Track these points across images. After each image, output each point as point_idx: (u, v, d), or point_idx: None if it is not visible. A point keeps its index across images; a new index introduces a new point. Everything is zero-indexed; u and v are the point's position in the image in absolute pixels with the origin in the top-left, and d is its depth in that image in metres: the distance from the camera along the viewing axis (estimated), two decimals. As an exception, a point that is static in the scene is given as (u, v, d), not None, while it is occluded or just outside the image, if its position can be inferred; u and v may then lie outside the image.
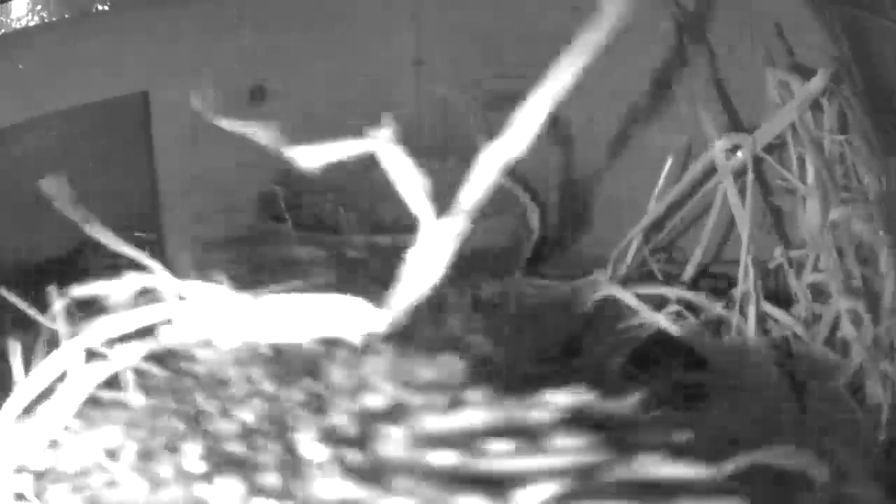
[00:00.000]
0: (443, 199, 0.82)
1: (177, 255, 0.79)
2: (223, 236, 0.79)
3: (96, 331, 0.32)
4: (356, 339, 0.29)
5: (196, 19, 0.76)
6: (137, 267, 0.35)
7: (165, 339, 0.32)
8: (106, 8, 0.67)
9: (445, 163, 0.85)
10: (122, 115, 0.75)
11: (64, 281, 0.77)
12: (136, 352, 0.32)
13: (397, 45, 0.88)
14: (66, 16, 0.66)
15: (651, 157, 0.70)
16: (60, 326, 0.37)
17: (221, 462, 0.26)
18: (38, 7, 0.64)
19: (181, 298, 0.32)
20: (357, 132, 0.86)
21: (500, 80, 0.82)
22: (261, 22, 0.80)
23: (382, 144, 0.31)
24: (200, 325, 0.31)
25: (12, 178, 0.70)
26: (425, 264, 0.29)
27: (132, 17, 0.71)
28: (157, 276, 0.33)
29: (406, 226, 0.78)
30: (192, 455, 0.27)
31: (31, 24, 0.65)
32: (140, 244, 0.82)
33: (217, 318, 0.31)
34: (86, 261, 0.79)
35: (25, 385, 0.32)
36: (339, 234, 0.70)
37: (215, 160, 0.79)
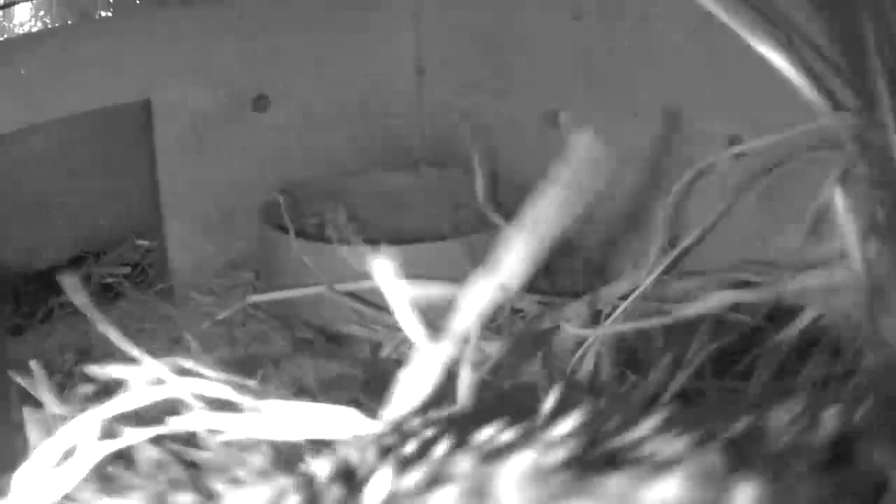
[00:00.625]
0: (443, 206, 0.82)
1: (178, 259, 0.79)
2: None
3: (107, 408, 0.34)
4: (345, 441, 0.32)
5: (197, 23, 0.76)
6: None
7: (174, 425, 0.34)
8: (108, 14, 0.67)
9: (446, 171, 0.85)
10: (123, 119, 0.74)
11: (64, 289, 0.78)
12: (144, 433, 0.34)
13: (398, 46, 0.88)
14: (69, 21, 0.66)
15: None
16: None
17: None
18: (41, 13, 0.64)
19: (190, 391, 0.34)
20: (356, 134, 0.87)
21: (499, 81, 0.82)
22: (262, 25, 0.79)
23: (382, 267, 0.32)
24: (208, 416, 0.33)
25: (14, 182, 0.70)
26: (417, 380, 0.32)
27: (134, 23, 0.71)
28: (168, 369, 0.35)
29: (406, 236, 0.78)
30: None
31: (34, 29, 0.65)
32: (143, 252, 0.83)
33: (223, 413, 0.33)
34: (87, 268, 0.79)
35: (37, 455, 0.34)
36: (342, 243, 0.70)
37: (218, 165, 0.79)
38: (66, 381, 0.67)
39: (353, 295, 0.65)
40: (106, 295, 0.77)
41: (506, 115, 0.82)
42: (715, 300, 0.50)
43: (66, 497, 0.33)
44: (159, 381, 0.35)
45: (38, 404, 0.65)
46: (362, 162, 0.87)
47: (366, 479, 0.27)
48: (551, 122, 0.77)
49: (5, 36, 0.63)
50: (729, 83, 0.65)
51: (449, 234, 0.75)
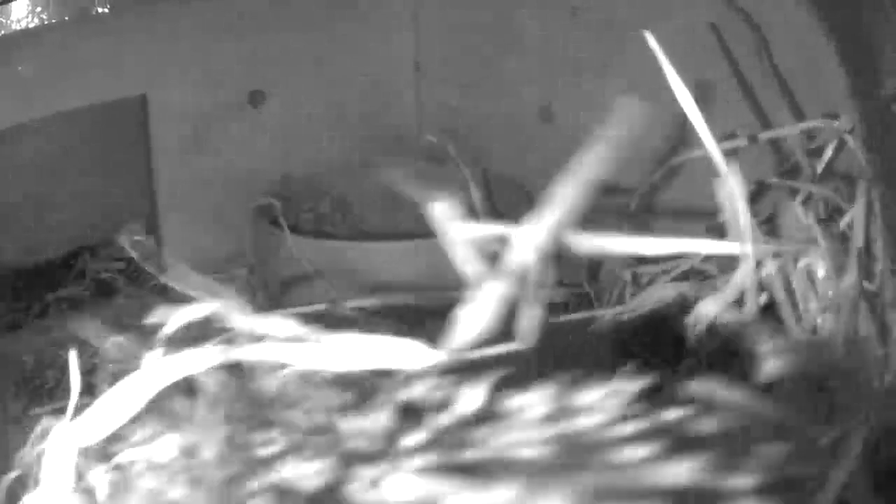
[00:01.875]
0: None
1: (174, 255, 0.79)
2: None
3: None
4: (409, 371, 0.33)
5: (196, 21, 0.76)
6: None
7: (235, 355, 0.34)
8: (106, 10, 0.67)
9: (444, 167, 0.85)
10: (120, 117, 0.75)
11: (60, 284, 0.78)
12: (205, 361, 0.34)
13: (397, 46, 0.88)
14: (66, 18, 0.66)
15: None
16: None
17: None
18: (39, 9, 0.65)
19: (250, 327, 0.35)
20: (355, 133, 0.87)
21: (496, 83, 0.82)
22: (261, 23, 0.80)
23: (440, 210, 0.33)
24: (272, 347, 0.34)
25: (10, 179, 0.71)
26: (476, 316, 0.33)
27: (132, 20, 0.72)
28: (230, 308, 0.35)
29: (402, 232, 0.78)
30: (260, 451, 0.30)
31: (32, 25, 0.65)
32: (137, 246, 0.82)
33: (284, 346, 0.34)
34: (84, 263, 0.79)
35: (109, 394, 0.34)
36: (337, 239, 0.70)
37: (215, 162, 0.79)
38: (60, 377, 0.68)
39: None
40: (101, 290, 0.77)
41: (504, 113, 0.82)
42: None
43: (125, 431, 0.33)
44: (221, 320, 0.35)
45: (38, 399, 0.66)
46: (359, 160, 0.87)
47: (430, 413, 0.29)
48: (546, 117, 0.77)
49: (2, 32, 0.63)
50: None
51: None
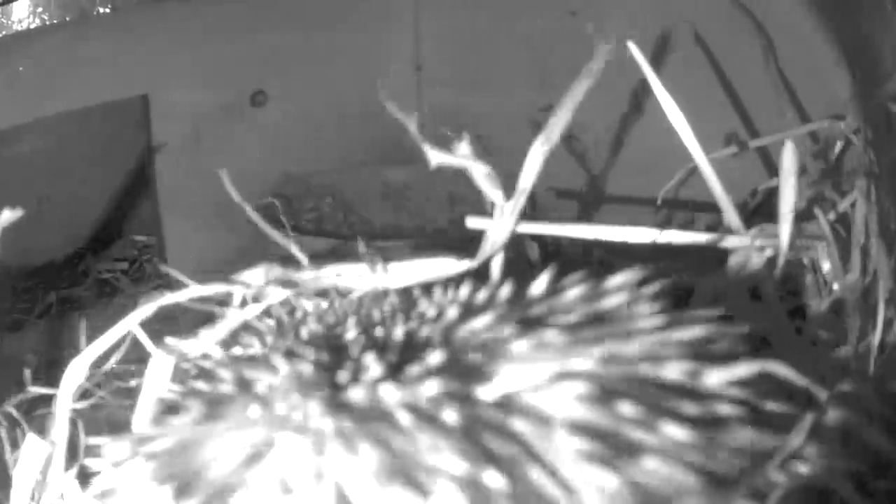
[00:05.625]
0: (440, 201, 0.83)
1: (175, 255, 0.79)
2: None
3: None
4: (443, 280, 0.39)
5: (197, 21, 0.76)
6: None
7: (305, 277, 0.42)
8: (107, 10, 0.67)
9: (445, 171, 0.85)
10: (121, 117, 0.75)
11: (63, 284, 0.78)
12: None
13: (397, 46, 0.88)
14: (67, 18, 0.66)
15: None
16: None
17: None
18: (39, 9, 0.65)
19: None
20: (355, 132, 0.87)
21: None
22: (261, 23, 0.80)
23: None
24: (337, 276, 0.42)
25: (10, 178, 0.71)
26: (497, 232, 0.40)
27: (133, 20, 0.72)
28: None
29: (404, 231, 0.78)
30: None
31: (33, 26, 0.65)
32: (141, 248, 0.83)
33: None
34: (86, 264, 0.80)
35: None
36: (339, 238, 0.70)
37: (216, 162, 0.79)
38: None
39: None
40: (103, 290, 0.77)
41: (504, 113, 0.82)
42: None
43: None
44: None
45: (41, 401, 0.66)
46: (360, 160, 0.87)
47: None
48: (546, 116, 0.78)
49: (3, 32, 0.64)
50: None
51: (447, 228, 0.76)
